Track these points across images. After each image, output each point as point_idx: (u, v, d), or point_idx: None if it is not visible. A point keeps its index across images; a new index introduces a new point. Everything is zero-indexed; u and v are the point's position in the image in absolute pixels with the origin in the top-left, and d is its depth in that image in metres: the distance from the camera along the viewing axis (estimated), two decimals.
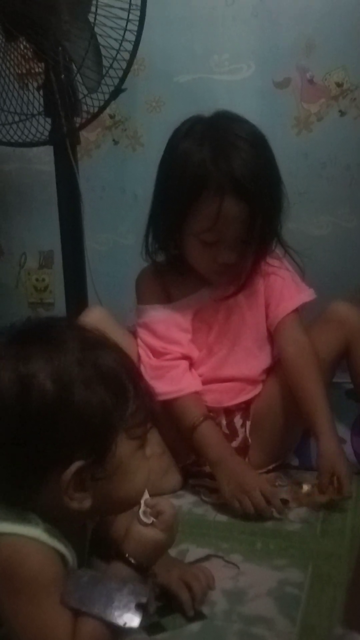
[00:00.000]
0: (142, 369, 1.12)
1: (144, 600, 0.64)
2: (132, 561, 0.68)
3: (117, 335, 1.11)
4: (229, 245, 1.06)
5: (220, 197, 1.01)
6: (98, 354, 0.66)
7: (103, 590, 0.64)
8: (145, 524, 0.69)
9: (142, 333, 1.15)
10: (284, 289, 1.15)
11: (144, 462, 0.69)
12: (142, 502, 0.71)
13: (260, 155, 1.04)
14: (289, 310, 1.14)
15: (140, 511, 0.70)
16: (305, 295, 1.16)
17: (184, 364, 1.14)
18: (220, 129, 1.05)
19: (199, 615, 0.77)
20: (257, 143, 1.05)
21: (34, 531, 0.65)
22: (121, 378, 0.66)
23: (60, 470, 0.63)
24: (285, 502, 1.01)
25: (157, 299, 1.16)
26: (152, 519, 0.69)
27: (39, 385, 0.62)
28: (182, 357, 1.14)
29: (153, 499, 0.71)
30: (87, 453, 0.64)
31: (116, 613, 0.62)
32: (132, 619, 0.62)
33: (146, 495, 0.71)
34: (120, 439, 0.66)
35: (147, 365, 1.13)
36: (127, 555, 0.68)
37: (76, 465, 0.63)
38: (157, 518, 0.69)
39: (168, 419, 1.13)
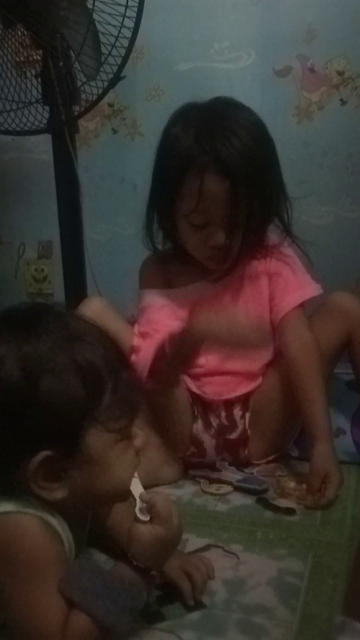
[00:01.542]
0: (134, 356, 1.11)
1: (140, 606, 0.64)
2: (134, 563, 0.67)
3: (116, 325, 1.11)
4: (217, 227, 1.05)
5: (201, 176, 1.01)
6: (77, 345, 0.65)
7: (102, 588, 0.63)
8: (142, 522, 0.68)
9: (138, 318, 1.14)
10: (289, 282, 1.14)
11: (126, 455, 0.68)
12: (138, 498, 0.70)
13: (250, 137, 1.03)
14: (293, 304, 1.13)
15: (137, 509, 0.69)
16: (310, 290, 1.14)
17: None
18: (211, 114, 1.05)
19: (199, 605, 0.77)
20: (249, 127, 1.04)
21: (30, 508, 0.64)
22: (97, 370, 0.65)
23: (28, 458, 0.62)
24: (291, 510, 1.00)
25: (156, 285, 1.15)
26: (148, 515, 0.68)
27: (5, 370, 0.62)
28: None
29: (148, 493, 0.70)
30: (54, 443, 0.63)
31: (110, 614, 0.62)
32: (124, 624, 0.62)
33: (140, 489, 0.70)
34: (95, 431, 0.65)
35: (132, 348, 1.10)
36: (129, 556, 0.67)
37: (42, 455, 0.62)
38: (152, 512, 0.69)
39: (167, 409, 1.13)
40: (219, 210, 1.03)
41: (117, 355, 0.69)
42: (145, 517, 0.68)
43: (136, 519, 0.68)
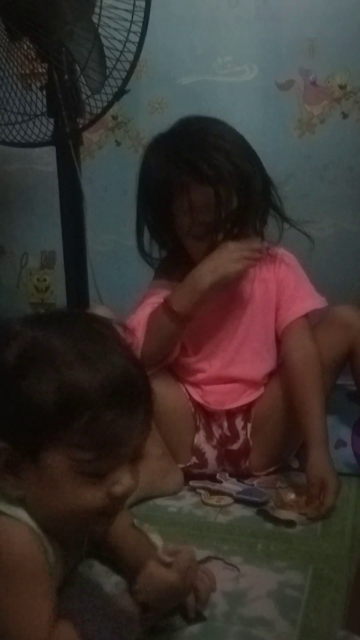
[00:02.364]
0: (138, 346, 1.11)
1: None
2: (140, 600, 0.66)
3: None
4: (217, 233, 1.06)
5: (186, 191, 1.04)
6: (81, 361, 0.63)
7: (101, 617, 0.64)
8: (164, 563, 0.67)
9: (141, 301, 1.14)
10: (295, 293, 1.15)
11: (88, 491, 0.64)
12: (160, 547, 0.71)
13: (218, 137, 1.06)
14: (298, 314, 1.14)
15: (160, 549, 0.70)
16: (316, 302, 1.15)
17: None
18: (175, 134, 1.09)
19: (199, 617, 0.77)
20: (215, 131, 1.07)
21: (18, 512, 0.64)
22: (79, 394, 0.62)
23: None
24: (291, 522, 1.00)
25: (167, 278, 1.16)
26: (171, 559, 0.68)
27: (7, 352, 0.64)
28: None
29: (172, 545, 0.70)
30: (15, 440, 0.63)
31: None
32: None
33: (159, 541, 0.72)
34: (56, 451, 0.63)
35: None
36: (134, 589, 0.67)
37: (2, 444, 0.63)
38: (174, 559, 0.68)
39: (168, 420, 1.13)
40: (212, 216, 1.05)
41: (125, 393, 0.64)
42: (168, 559, 0.67)
43: (159, 559, 0.67)
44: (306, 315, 1.14)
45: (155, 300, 1.12)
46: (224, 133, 1.08)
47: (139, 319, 1.10)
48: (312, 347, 1.11)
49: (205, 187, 1.03)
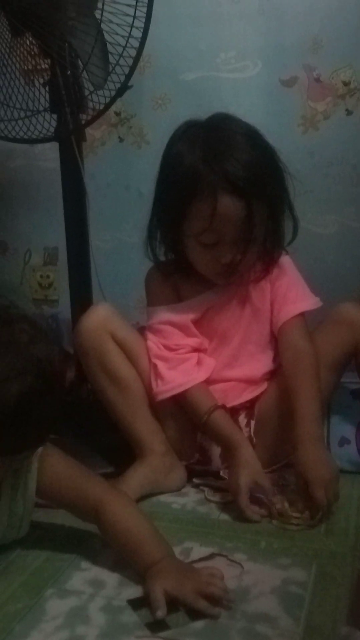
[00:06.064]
0: (156, 362, 1.12)
1: None
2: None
3: (123, 331, 1.13)
4: (230, 245, 1.05)
5: (213, 197, 1.01)
6: None
7: None
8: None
9: (152, 334, 1.15)
10: (289, 293, 1.15)
11: None
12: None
13: (256, 150, 1.04)
14: (291, 314, 1.13)
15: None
16: (309, 303, 1.15)
17: (196, 356, 1.14)
18: (213, 129, 1.06)
19: (202, 614, 0.77)
20: (252, 138, 1.05)
21: None
22: None
23: None
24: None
25: (166, 299, 1.16)
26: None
27: None
28: (194, 350, 1.15)
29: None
30: None
31: None
32: None
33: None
34: None
35: (160, 357, 1.12)
36: None
37: None
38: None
39: (172, 417, 1.13)
40: (232, 229, 1.03)
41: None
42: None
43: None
44: (301, 315, 1.14)
45: (166, 330, 1.13)
46: (261, 146, 1.05)
47: (168, 389, 1.11)
48: (304, 345, 1.10)
49: (236, 198, 1.00)
